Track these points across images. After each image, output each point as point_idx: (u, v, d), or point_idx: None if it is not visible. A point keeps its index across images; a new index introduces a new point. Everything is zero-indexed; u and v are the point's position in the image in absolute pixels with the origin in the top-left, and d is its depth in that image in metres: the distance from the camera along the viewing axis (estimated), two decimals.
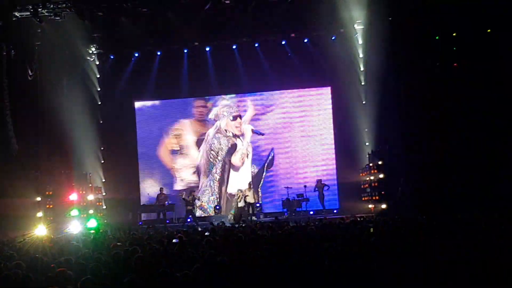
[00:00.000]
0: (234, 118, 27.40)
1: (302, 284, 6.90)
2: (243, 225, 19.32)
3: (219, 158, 27.20)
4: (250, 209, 23.72)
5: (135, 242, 12.20)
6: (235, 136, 27.26)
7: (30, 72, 22.79)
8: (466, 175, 20.57)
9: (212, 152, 27.28)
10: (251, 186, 24.47)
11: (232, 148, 27.19)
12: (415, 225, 13.16)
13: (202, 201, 26.61)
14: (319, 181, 25.79)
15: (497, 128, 20.44)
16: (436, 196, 20.36)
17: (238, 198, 23.55)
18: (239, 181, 25.97)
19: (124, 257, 9.33)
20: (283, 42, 26.69)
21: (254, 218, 23.27)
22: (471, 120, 21.03)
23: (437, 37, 22.74)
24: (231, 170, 27.17)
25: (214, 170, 27.20)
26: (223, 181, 27.12)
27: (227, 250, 9.54)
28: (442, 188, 20.64)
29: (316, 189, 25.68)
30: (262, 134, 27.13)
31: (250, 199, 23.73)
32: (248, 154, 27.04)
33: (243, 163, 27.09)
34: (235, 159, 27.14)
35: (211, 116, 27.51)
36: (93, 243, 12.42)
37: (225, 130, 27.33)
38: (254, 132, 27.10)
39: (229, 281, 6.93)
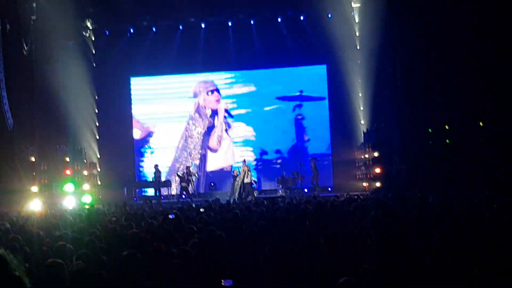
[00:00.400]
0: (212, 92, 27.40)
1: (297, 258, 6.96)
2: (237, 201, 19.42)
3: (194, 142, 27.30)
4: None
5: (130, 217, 12.27)
6: (212, 114, 27.31)
7: (25, 46, 22.63)
8: (461, 153, 20.59)
9: (187, 133, 27.46)
10: (245, 163, 24.38)
11: (209, 131, 27.30)
12: (409, 203, 13.23)
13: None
14: (312, 159, 25.46)
15: (495, 105, 20.31)
16: (430, 174, 20.43)
17: (245, 173, 23.32)
18: (221, 160, 26.33)
19: (120, 232, 9.38)
20: (279, 20, 26.57)
21: (256, 192, 23.52)
22: (468, 98, 20.95)
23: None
24: (209, 151, 27.29)
25: (192, 153, 27.35)
26: (201, 162, 27.32)
27: (224, 226, 9.60)
28: (436, 166, 20.70)
29: (311, 168, 25.33)
30: (232, 117, 27.20)
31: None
32: (223, 135, 27.20)
33: (219, 143, 27.20)
34: (212, 142, 27.22)
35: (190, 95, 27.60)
36: (88, 218, 12.47)
37: (204, 107, 27.35)
38: (226, 112, 27.17)
39: (225, 257, 6.97)
